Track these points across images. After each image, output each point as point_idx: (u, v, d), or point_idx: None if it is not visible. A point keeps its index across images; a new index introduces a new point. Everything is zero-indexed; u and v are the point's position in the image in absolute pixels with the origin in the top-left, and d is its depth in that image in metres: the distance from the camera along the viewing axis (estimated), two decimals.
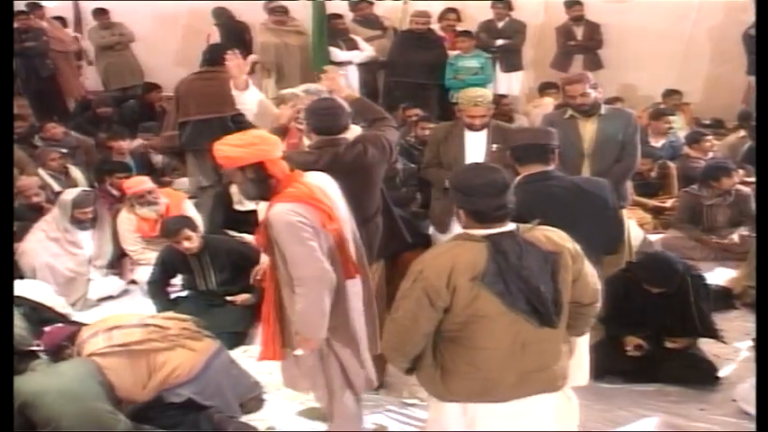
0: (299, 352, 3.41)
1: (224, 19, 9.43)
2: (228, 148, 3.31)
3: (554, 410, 3.12)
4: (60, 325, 4.18)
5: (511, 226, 2.88)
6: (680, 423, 4.14)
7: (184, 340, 4.07)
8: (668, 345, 4.47)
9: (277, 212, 3.24)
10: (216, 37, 9.15)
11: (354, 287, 3.51)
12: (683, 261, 4.62)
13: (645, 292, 4.44)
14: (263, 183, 3.35)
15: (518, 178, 3.55)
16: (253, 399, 4.37)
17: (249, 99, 4.62)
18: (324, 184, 3.46)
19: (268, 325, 3.51)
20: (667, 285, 4.38)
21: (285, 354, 3.51)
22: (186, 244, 5.09)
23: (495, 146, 4.92)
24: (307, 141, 4.42)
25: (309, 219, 3.25)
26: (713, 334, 4.51)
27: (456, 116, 5.32)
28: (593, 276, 3.02)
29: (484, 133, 4.97)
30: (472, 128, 4.97)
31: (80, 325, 4.23)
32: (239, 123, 5.07)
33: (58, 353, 3.96)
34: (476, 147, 4.97)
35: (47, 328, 4.13)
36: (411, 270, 2.91)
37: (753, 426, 3.32)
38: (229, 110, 5.25)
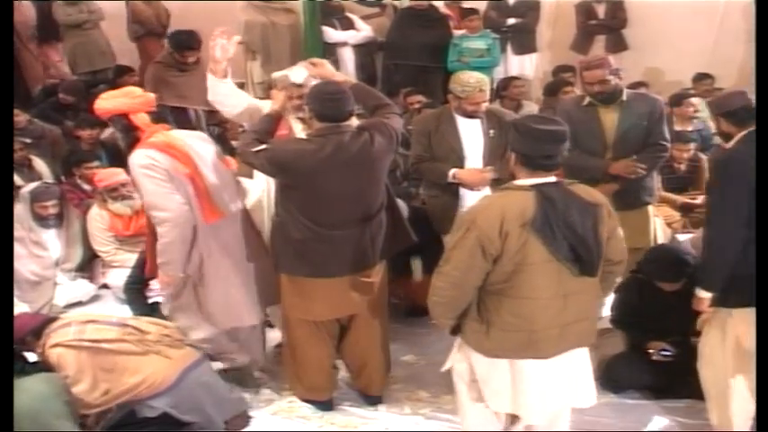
0: (155, 285, 4.31)
1: None
2: (98, 101, 4.21)
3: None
4: (28, 312, 4.16)
5: (554, 178, 3.30)
6: None
7: (161, 347, 4.08)
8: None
9: (133, 157, 4.08)
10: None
11: (218, 230, 4.25)
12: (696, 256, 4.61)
13: (660, 294, 4.47)
14: (129, 133, 4.19)
15: (739, 136, 3.83)
16: (238, 416, 4.37)
17: (226, 91, 4.45)
18: (190, 140, 4.26)
19: (150, 254, 4.32)
20: (677, 279, 4.39)
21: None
22: None
23: (491, 131, 4.91)
24: (297, 131, 4.44)
25: (163, 164, 4.04)
26: None
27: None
28: (621, 235, 3.48)
29: (478, 120, 4.95)
30: (467, 115, 4.94)
31: (53, 318, 4.23)
32: None
33: (20, 345, 3.94)
34: (472, 134, 4.93)
35: (15, 314, 4.11)
36: (461, 222, 3.38)
37: None
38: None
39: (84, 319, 4.12)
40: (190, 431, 4.02)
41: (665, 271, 4.45)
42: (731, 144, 3.87)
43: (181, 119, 7.08)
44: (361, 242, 4.10)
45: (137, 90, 4.24)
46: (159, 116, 6.19)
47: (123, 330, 4.07)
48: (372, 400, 4.56)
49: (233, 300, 4.37)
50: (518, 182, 3.33)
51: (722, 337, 3.93)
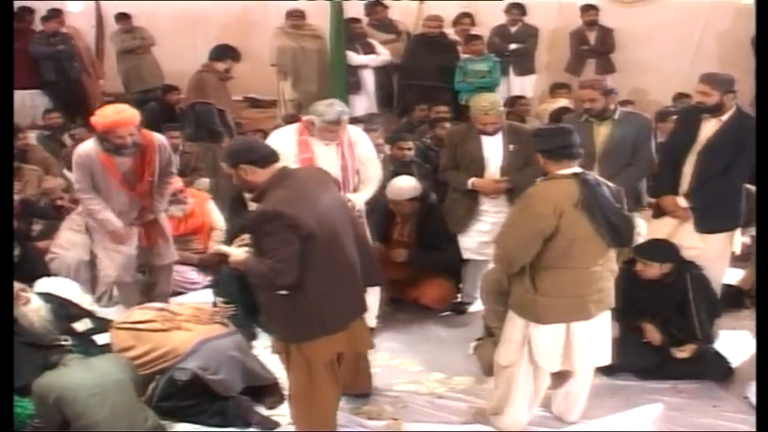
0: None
1: None
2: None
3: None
4: None
5: (579, 168, 3.61)
6: (693, 419, 4.14)
7: (186, 324, 4.21)
8: (677, 354, 4.45)
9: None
10: None
11: None
12: (685, 258, 4.60)
13: (646, 283, 4.47)
14: None
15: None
16: (275, 396, 4.33)
17: None
18: None
19: None
20: (662, 259, 4.43)
21: None
22: None
23: (511, 146, 4.91)
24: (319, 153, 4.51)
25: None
26: (709, 337, 4.51)
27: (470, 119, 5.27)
28: None
29: (499, 135, 4.95)
30: (485, 133, 4.95)
31: None
32: None
33: None
34: (493, 148, 4.96)
35: None
36: (518, 204, 3.68)
37: None
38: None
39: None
40: (237, 401, 4.09)
41: (652, 250, 4.49)
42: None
43: (223, 121, 7.12)
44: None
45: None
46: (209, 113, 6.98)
47: (158, 313, 4.26)
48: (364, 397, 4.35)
49: None
50: (558, 172, 3.59)
51: None
